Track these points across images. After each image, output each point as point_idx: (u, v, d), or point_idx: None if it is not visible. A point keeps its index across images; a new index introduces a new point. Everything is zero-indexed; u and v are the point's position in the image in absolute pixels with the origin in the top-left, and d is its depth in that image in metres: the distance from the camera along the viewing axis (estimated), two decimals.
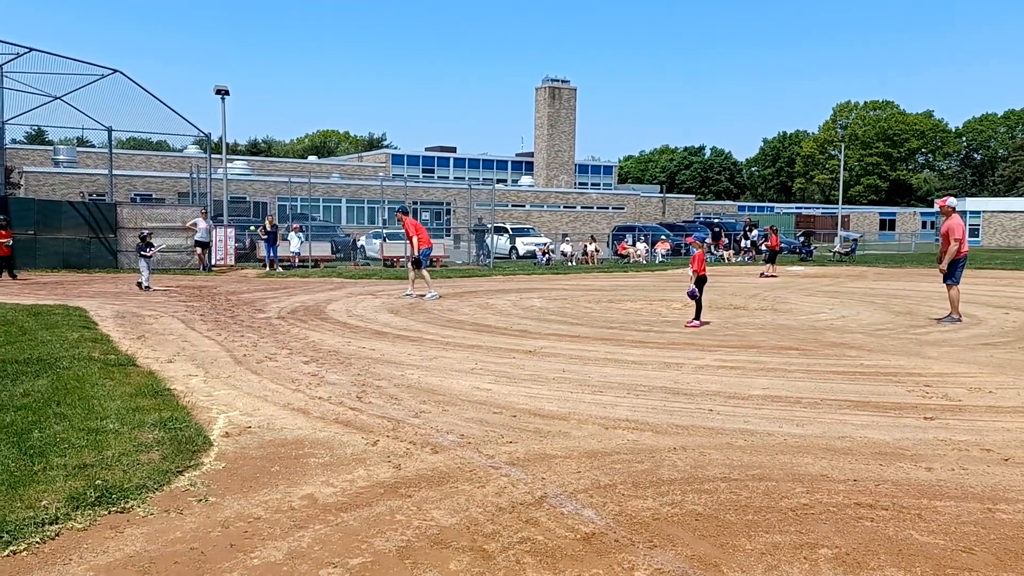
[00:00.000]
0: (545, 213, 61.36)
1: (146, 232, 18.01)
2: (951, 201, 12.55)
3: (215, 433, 5.59)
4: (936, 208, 14.86)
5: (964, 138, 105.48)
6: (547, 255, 30.56)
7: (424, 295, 15.73)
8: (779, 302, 15.65)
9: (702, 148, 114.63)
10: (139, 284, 16.95)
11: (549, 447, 5.36)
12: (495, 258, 29.37)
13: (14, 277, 19.03)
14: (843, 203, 55.79)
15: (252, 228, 28.20)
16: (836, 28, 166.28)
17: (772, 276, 23.42)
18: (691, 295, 11.77)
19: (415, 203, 43.61)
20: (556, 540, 3.79)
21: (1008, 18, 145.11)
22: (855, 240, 41.97)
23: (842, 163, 50.07)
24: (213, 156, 27.40)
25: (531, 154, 76.51)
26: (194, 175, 30.49)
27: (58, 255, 23.03)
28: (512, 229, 37.32)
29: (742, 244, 36.74)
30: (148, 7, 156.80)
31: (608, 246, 38.57)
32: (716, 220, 47.57)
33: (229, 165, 34.70)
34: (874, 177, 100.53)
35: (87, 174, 45.25)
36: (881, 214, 79.13)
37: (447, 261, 28.83)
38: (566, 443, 5.46)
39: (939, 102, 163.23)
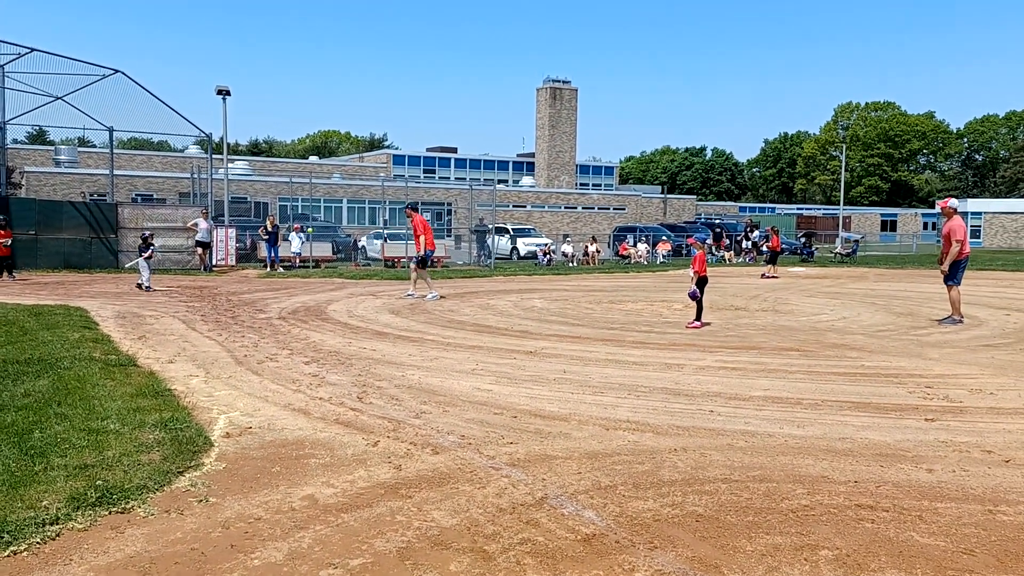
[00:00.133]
0: (546, 214, 61.38)
1: (147, 233, 18.03)
2: (952, 202, 12.55)
3: (216, 433, 5.59)
4: (938, 209, 14.84)
5: (965, 139, 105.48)
6: (548, 256, 30.56)
7: (425, 295, 15.73)
8: (780, 303, 15.64)
9: (703, 149, 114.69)
10: (139, 285, 16.96)
11: (550, 448, 5.36)
12: (496, 259, 29.37)
13: (13, 278, 19.02)
14: (844, 204, 55.76)
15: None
16: (837, 29, 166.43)
17: (773, 277, 23.41)
18: (692, 296, 11.76)
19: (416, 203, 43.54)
20: (557, 541, 3.79)
21: (1009, 19, 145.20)
22: (856, 241, 41.97)
23: (843, 164, 50.04)
24: (214, 156, 27.41)
25: (532, 155, 76.52)
26: (195, 175, 30.52)
27: (59, 255, 23.05)
28: (513, 230, 37.31)
29: (743, 245, 36.72)
30: (148, 7, 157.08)
31: (609, 247, 38.54)
32: (717, 221, 47.57)
33: (230, 165, 34.70)
34: (875, 178, 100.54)
35: (88, 174, 45.30)
36: (882, 215, 79.08)
37: (448, 262, 28.83)
38: (567, 444, 5.45)
39: (940, 103, 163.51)
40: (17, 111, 24.95)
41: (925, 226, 72.84)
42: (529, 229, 40.46)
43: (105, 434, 5.32)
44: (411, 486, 4.56)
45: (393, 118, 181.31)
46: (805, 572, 3.50)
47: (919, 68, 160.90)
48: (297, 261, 25.77)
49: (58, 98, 24.50)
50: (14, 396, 6.31)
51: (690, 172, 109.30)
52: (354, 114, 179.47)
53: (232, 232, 25.78)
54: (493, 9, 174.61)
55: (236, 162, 53.85)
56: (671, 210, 70.42)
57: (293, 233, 25.97)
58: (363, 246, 31.59)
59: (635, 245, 33.66)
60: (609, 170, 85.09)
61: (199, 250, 23.98)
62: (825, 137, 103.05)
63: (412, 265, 16.56)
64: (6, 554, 3.54)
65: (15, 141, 51.53)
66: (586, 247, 31.95)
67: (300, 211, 37.66)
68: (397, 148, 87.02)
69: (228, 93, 25.96)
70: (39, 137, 65.68)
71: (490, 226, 29.75)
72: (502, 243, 34.54)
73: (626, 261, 32.23)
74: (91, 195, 40.37)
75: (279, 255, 24.84)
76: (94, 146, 52.05)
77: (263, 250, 25.20)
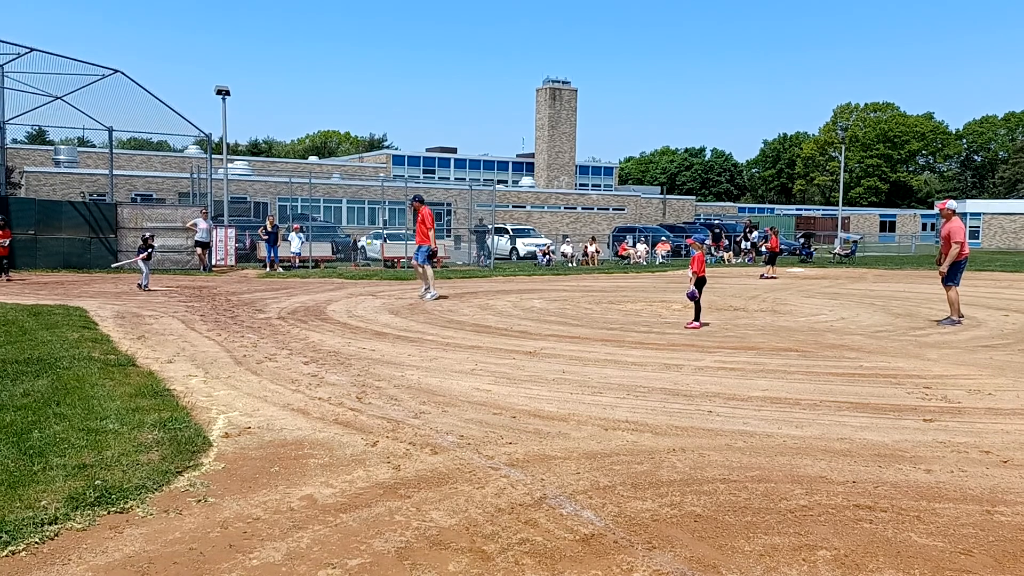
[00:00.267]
0: (546, 214, 61.40)
1: (148, 235, 18.03)
2: (951, 204, 12.57)
3: (215, 434, 5.59)
4: (936, 210, 14.88)
5: (964, 140, 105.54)
6: (547, 256, 30.57)
7: (426, 295, 15.73)
8: (779, 304, 15.65)
9: (702, 149, 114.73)
10: (140, 285, 16.97)
11: (549, 448, 5.36)
12: (495, 259, 29.37)
13: (8, 279, 18.93)
14: (843, 205, 55.78)
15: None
16: (836, 30, 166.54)
17: (772, 277, 23.42)
18: (690, 296, 11.77)
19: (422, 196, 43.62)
20: (555, 541, 3.79)
21: (1008, 20, 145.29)
22: (855, 242, 41.96)
23: (842, 165, 50.08)
24: (213, 156, 27.40)
25: (532, 155, 76.55)
26: (194, 175, 30.51)
27: (58, 255, 23.03)
28: (513, 230, 37.31)
29: (742, 246, 36.74)
30: (148, 7, 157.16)
31: (608, 247, 38.56)
32: (716, 221, 47.56)
33: (230, 165, 34.70)
34: (874, 179, 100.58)
35: (88, 174, 45.32)
36: (881, 216, 79.13)
37: (448, 262, 28.82)
38: (565, 444, 5.46)
39: (939, 104, 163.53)
40: (17, 111, 24.95)
41: (924, 227, 72.90)
42: (528, 229, 40.47)
43: (104, 434, 5.32)
44: (410, 486, 4.56)
45: (393, 118, 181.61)
46: (803, 572, 3.50)
47: (918, 69, 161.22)
48: (296, 261, 25.78)
49: (58, 98, 24.49)
50: (13, 396, 6.31)
51: (689, 173, 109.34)
52: (354, 114, 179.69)
53: (231, 232, 25.78)
54: (493, 9, 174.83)
55: (236, 162, 53.87)
56: (670, 211, 70.47)
57: (293, 233, 25.98)
58: (362, 246, 31.60)
59: (634, 245, 33.67)
60: (608, 170, 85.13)
61: (198, 250, 23.97)
62: (824, 138, 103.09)
63: (417, 262, 16.13)
64: (4, 554, 3.54)
65: (15, 141, 51.58)
66: (585, 247, 31.96)
67: (300, 211, 37.68)
68: (397, 148, 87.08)
69: (228, 93, 25.95)
70: (39, 137, 65.72)
71: (490, 226, 29.75)
72: (501, 243, 34.54)
73: (625, 261, 32.24)
74: (90, 195, 40.38)
75: (278, 255, 24.84)
76: (94, 146, 52.09)
77: (262, 250, 25.20)
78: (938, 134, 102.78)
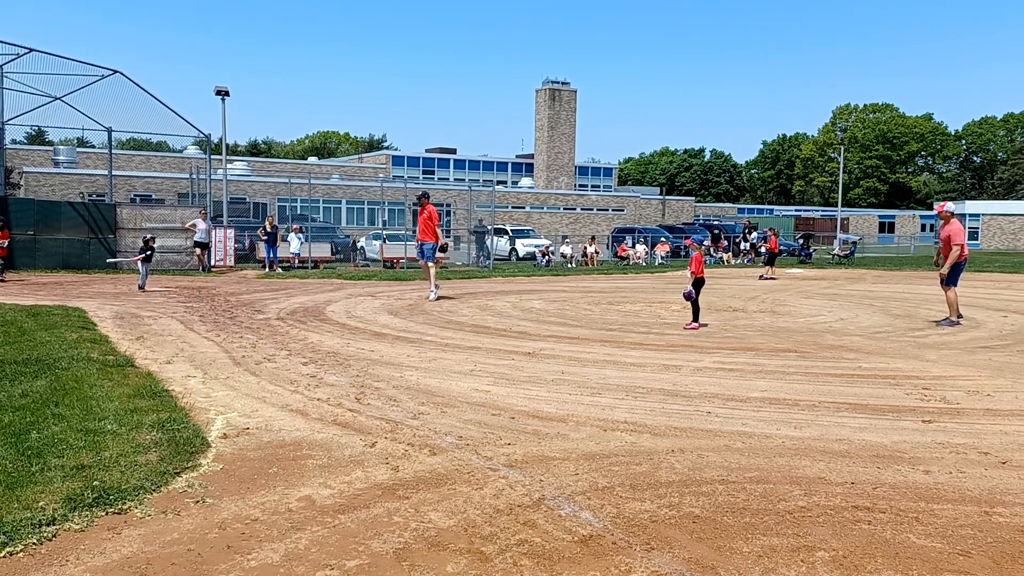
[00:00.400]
0: (545, 215, 61.39)
1: (149, 236, 18.02)
2: (949, 206, 12.59)
3: (213, 434, 5.59)
4: (935, 212, 14.89)
5: (963, 141, 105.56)
6: (547, 257, 30.58)
7: (428, 294, 15.73)
8: (778, 304, 15.65)
9: (702, 150, 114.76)
10: (140, 286, 16.98)
11: (547, 449, 5.36)
12: (495, 259, 29.38)
13: (3, 280, 18.86)
14: (842, 206, 55.80)
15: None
16: (836, 31, 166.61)
17: (771, 278, 23.43)
18: (687, 296, 11.77)
19: (416, 204, 43.64)
20: (554, 542, 3.79)
21: (1008, 21, 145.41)
22: (854, 243, 41.97)
23: (841, 166, 50.06)
24: (213, 157, 27.40)
25: (531, 156, 76.57)
26: (194, 176, 30.50)
27: (57, 255, 23.02)
28: (512, 231, 37.32)
29: (741, 246, 36.76)
30: (148, 7, 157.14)
31: (608, 248, 38.58)
32: (715, 222, 47.60)
33: (229, 166, 34.70)
34: (873, 180, 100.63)
35: (87, 175, 45.27)
36: (880, 217, 79.15)
37: (447, 262, 28.82)
38: (564, 445, 5.46)
39: (938, 105, 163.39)
40: (16, 111, 24.94)
41: (923, 228, 72.93)
42: (528, 230, 40.48)
43: (102, 435, 5.31)
44: (408, 487, 4.56)
45: (392, 119, 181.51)
46: (802, 573, 3.50)
47: (917, 70, 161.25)
48: (296, 262, 25.78)
49: (57, 98, 24.48)
50: (11, 396, 6.31)
51: (688, 173, 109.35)
52: (353, 115, 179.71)
53: (231, 233, 25.78)
54: (493, 9, 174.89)
55: (235, 163, 53.86)
56: (669, 211, 70.46)
57: (292, 234, 25.99)
58: (362, 247, 31.60)
59: (634, 246, 33.68)
60: (608, 171, 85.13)
61: (197, 251, 23.96)
62: (823, 139, 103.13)
63: (423, 261, 16.06)
64: (2, 555, 3.53)
65: (14, 141, 51.54)
66: (585, 248, 31.97)
67: (299, 212, 37.67)
68: (396, 149, 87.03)
69: (227, 94, 25.95)
70: (38, 137, 65.71)
71: (489, 227, 29.76)
72: (501, 244, 34.55)
73: (625, 262, 32.25)
74: (90, 195, 40.35)
75: (278, 256, 24.85)
76: (93, 146, 52.04)
77: (262, 251, 25.21)
78: (937, 135, 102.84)
